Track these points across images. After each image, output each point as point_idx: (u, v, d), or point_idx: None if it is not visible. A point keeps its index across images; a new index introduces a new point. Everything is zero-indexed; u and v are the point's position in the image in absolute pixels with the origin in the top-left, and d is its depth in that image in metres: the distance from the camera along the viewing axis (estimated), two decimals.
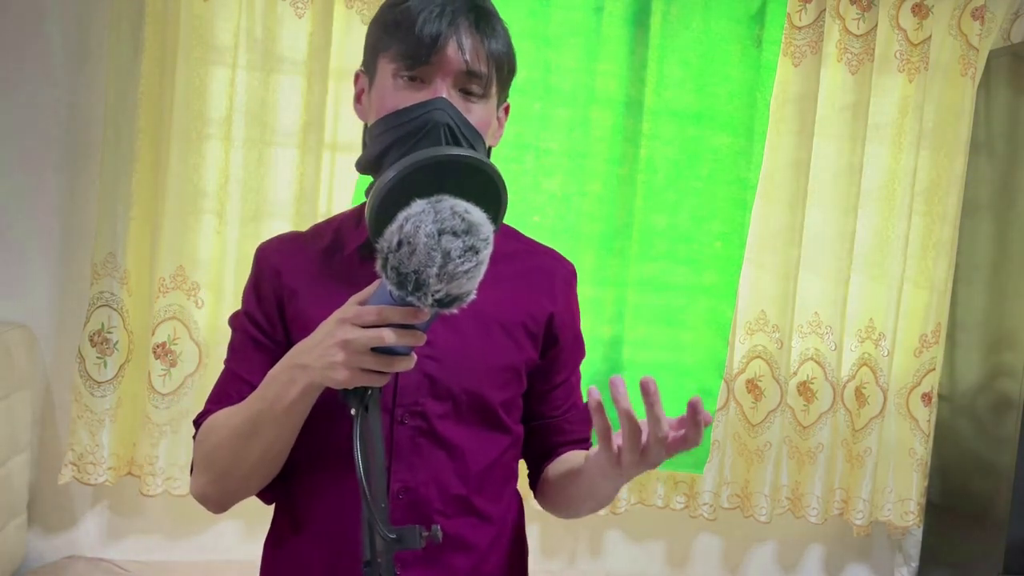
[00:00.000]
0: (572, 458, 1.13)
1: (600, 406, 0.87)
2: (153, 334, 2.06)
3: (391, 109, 0.99)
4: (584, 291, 1.29)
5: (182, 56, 2.02)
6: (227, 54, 2.07)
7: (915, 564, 2.58)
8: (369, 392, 0.87)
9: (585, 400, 1.17)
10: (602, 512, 2.25)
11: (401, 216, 0.80)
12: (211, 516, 2.22)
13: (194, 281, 2.09)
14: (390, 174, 0.88)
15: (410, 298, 0.80)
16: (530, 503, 1.24)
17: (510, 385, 1.10)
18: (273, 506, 1.12)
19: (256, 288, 1.11)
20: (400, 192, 0.86)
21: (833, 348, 2.39)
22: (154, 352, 2.06)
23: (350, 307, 0.88)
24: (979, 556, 2.34)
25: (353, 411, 0.86)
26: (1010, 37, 2.47)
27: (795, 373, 2.41)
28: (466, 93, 1.00)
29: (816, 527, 2.53)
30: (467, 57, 0.98)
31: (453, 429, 1.05)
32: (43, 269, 2.13)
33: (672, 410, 0.89)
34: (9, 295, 2.12)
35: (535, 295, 1.13)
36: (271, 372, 0.96)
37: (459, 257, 0.78)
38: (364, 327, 0.85)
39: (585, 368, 1.23)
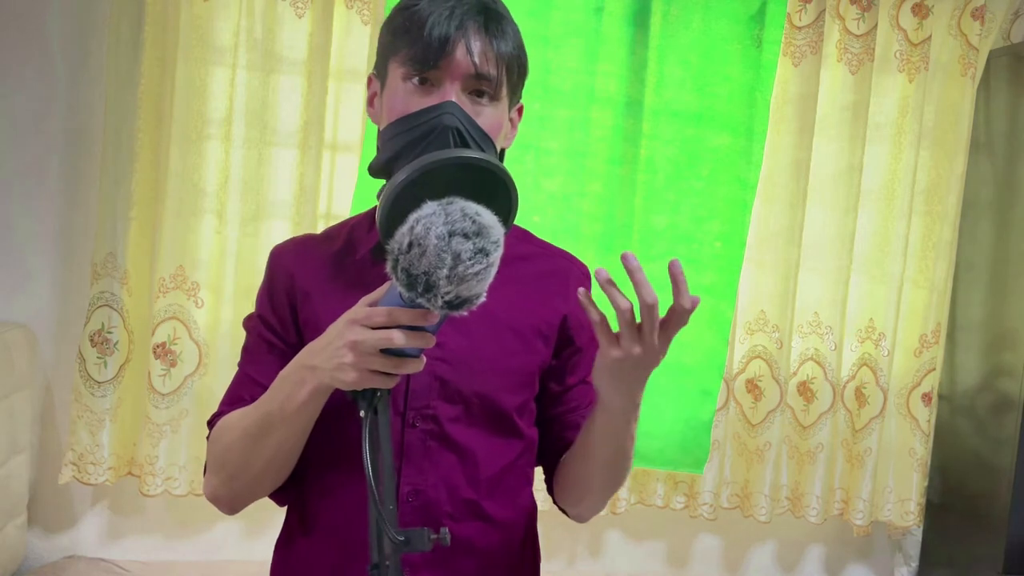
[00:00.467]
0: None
1: (606, 292, 0.88)
2: (153, 334, 2.06)
3: (401, 113, 0.99)
4: None
5: (182, 56, 2.02)
6: (227, 54, 2.07)
7: (915, 564, 2.57)
8: (378, 394, 0.87)
9: None
10: (602, 512, 2.25)
11: (412, 218, 0.80)
12: (211, 516, 2.22)
13: (194, 281, 2.09)
14: (401, 176, 0.89)
15: (420, 300, 0.80)
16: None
17: (522, 389, 1.10)
18: (275, 508, 1.12)
19: (269, 290, 1.10)
20: (411, 194, 0.86)
21: (833, 348, 2.39)
22: (154, 352, 2.06)
23: (360, 308, 0.88)
24: (979, 556, 2.34)
25: (362, 413, 0.86)
26: (1010, 37, 2.47)
27: (795, 373, 2.41)
28: (476, 95, 1.00)
29: (816, 527, 2.53)
30: (476, 60, 0.98)
31: (464, 432, 1.05)
32: (43, 269, 2.13)
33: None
34: (9, 295, 2.12)
35: (548, 297, 1.12)
36: (282, 373, 0.96)
37: (469, 259, 0.78)
38: (374, 328, 0.85)
39: None
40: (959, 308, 2.49)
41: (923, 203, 2.44)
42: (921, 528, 2.53)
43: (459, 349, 1.05)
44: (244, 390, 1.07)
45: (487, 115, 1.00)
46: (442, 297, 0.79)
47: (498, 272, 0.98)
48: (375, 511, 0.83)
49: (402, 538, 0.82)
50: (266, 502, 1.11)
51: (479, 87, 1.00)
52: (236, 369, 1.12)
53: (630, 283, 0.87)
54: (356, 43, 2.15)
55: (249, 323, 1.12)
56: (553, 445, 1.15)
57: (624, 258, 0.86)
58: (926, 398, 2.45)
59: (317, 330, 0.94)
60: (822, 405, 2.40)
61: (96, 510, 2.21)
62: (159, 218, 2.05)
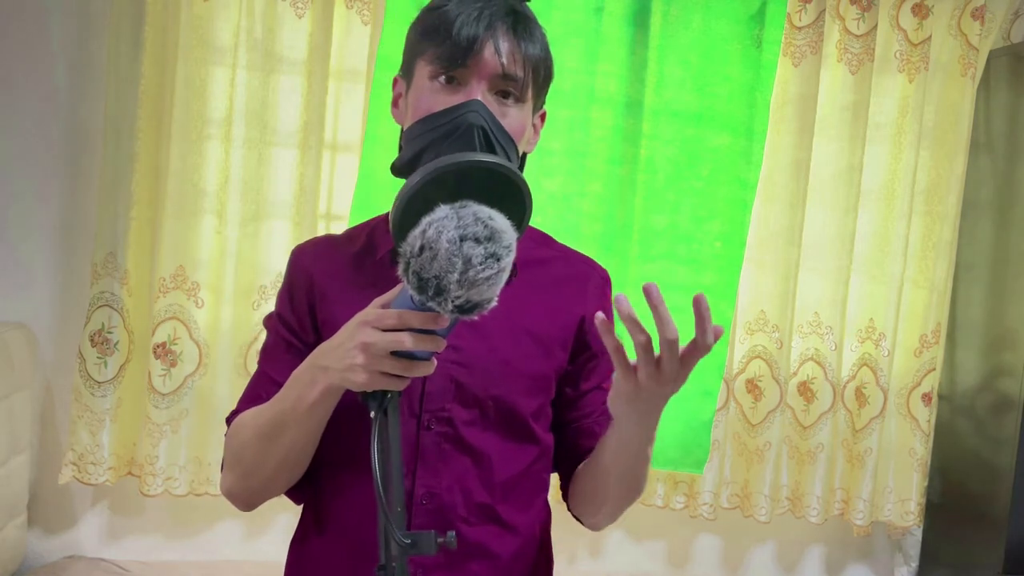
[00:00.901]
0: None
1: (613, 326, 0.87)
2: (153, 334, 2.06)
3: (426, 111, 0.99)
4: None
5: (182, 56, 2.02)
6: (227, 54, 2.07)
7: (915, 564, 2.58)
8: (389, 396, 0.87)
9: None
10: None
11: (424, 221, 0.80)
12: (211, 516, 2.22)
13: (194, 281, 2.09)
14: (415, 179, 0.88)
15: (430, 303, 0.80)
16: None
17: (538, 393, 1.09)
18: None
19: (289, 290, 1.11)
20: (425, 197, 0.86)
21: (833, 348, 2.39)
22: (154, 352, 2.06)
23: (371, 310, 0.88)
24: (979, 556, 2.34)
25: (372, 414, 0.86)
26: (1010, 37, 2.47)
27: (795, 373, 2.41)
28: (502, 96, 1.00)
29: (816, 527, 2.52)
30: (503, 60, 0.98)
31: (479, 436, 1.05)
32: (43, 269, 2.13)
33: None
34: (9, 295, 2.12)
35: (566, 302, 1.12)
36: (295, 373, 0.97)
37: (480, 264, 0.78)
38: (384, 330, 0.85)
39: None
40: (959, 308, 2.49)
41: (923, 203, 2.44)
42: (921, 528, 2.53)
43: (476, 352, 1.04)
44: (262, 388, 1.08)
45: (512, 116, 1.01)
46: (452, 301, 0.79)
47: (517, 276, 0.98)
48: (382, 513, 0.83)
49: (408, 540, 0.82)
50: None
51: (505, 88, 1.00)
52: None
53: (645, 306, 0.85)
54: (356, 43, 2.15)
55: (269, 322, 1.13)
56: (569, 452, 1.15)
57: (646, 291, 0.83)
58: (926, 398, 2.45)
59: (335, 330, 0.94)
60: (822, 405, 2.40)
61: (96, 510, 2.21)
62: (159, 218, 2.05)
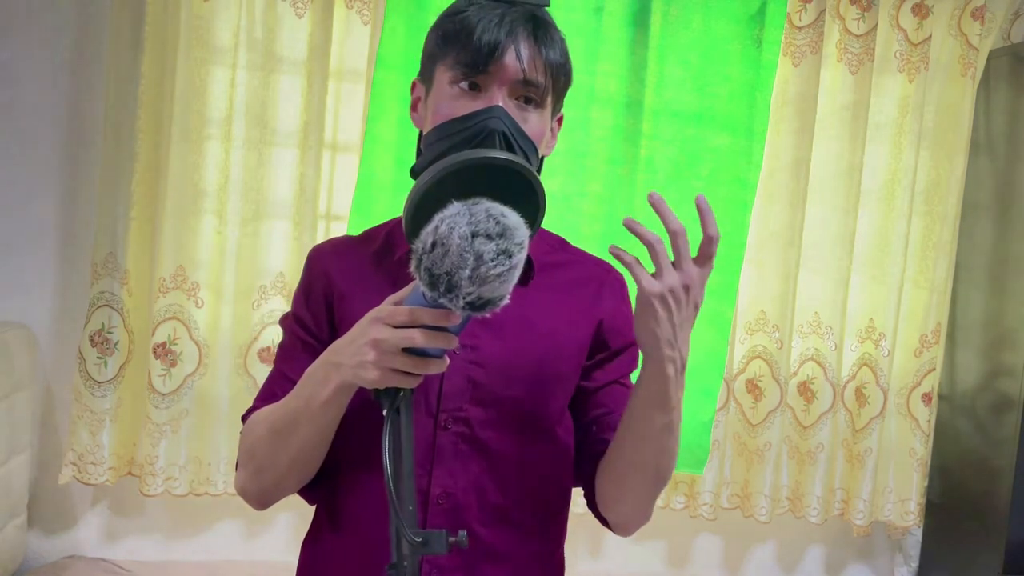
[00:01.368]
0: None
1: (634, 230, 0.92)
2: (153, 334, 2.06)
3: (447, 117, 0.99)
4: None
5: (182, 56, 2.02)
6: (227, 54, 2.07)
7: (915, 564, 2.58)
8: (401, 393, 0.86)
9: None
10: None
11: (437, 217, 0.80)
12: (211, 516, 2.22)
13: (194, 281, 2.09)
14: (427, 176, 0.88)
15: (442, 300, 0.80)
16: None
17: (556, 395, 1.09)
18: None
19: (306, 290, 1.11)
20: (438, 194, 0.85)
21: (833, 348, 2.39)
22: (154, 352, 2.06)
23: (384, 307, 0.88)
24: (979, 556, 2.34)
25: (385, 412, 0.86)
26: (1010, 37, 2.47)
27: (795, 373, 2.41)
28: (522, 102, 1.00)
29: (816, 527, 2.53)
30: (524, 66, 0.98)
31: (496, 437, 1.05)
32: (43, 269, 2.13)
33: None
34: (9, 295, 2.12)
35: (584, 304, 1.12)
36: (308, 370, 0.97)
37: (492, 260, 0.78)
38: (396, 327, 0.85)
39: None
40: (959, 308, 2.49)
41: (923, 203, 2.44)
42: (921, 528, 2.53)
43: (494, 353, 1.04)
44: (277, 386, 1.08)
45: (533, 122, 1.01)
46: (464, 298, 0.79)
47: (534, 278, 0.97)
48: (393, 511, 0.82)
49: (419, 539, 0.81)
50: None
51: (526, 93, 1.00)
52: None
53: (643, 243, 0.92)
54: (356, 43, 2.15)
55: (285, 322, 1.13)
56: (590, 449, 1.12)
57: (651, 199, 0.91)
58: (926, 398, 2.45)
59: None
60: (822, 405, 2.40)
61: (96, 510, 2.21)
62: (159, 218, 2.05)
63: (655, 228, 0.95)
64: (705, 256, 0.94)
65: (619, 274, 1.18)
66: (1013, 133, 2.36)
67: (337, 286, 1.08)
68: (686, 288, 0.93)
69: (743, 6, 2.27)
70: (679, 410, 1.00)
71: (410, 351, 0.85)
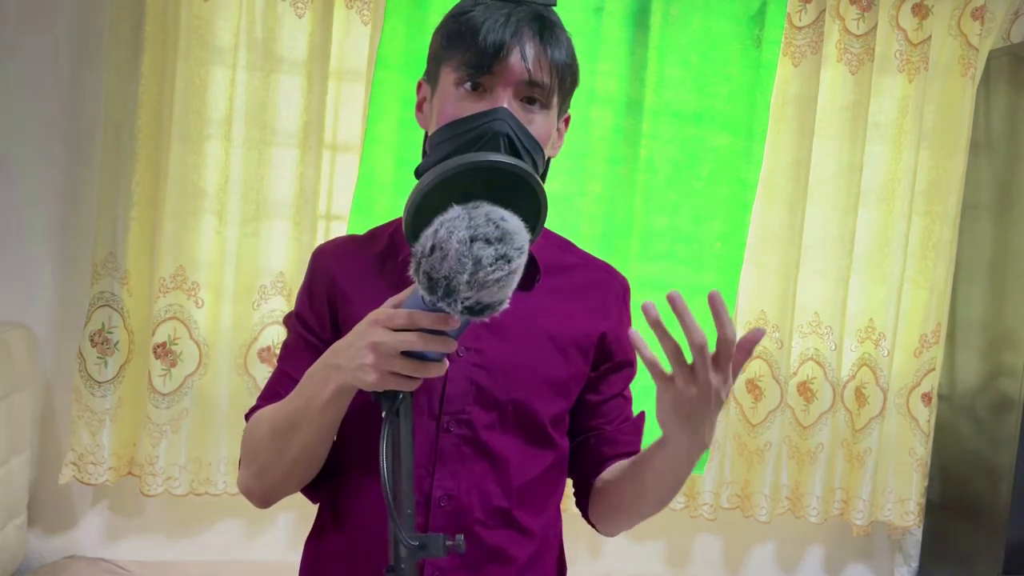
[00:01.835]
0: (625, 464, 1.10)
1: (654, 331, 0.85)
2: (153, 334, 2.06)
3: (452, 118, 0.99)
4: None
5: (182, 56, 2.02)
6: (227, 54, 2.07)
7: (915, 564, 2.58)
8: (400, 396, 0.86)
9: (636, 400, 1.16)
10: None
11: (436, 221, 0.80)
12: (211, 516, 2.22)
13: (194, 281, 2.09)
14: (428, 179, 0.88)
15: (440, 304, 0.80)
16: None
17: (558, 399, 1.09)
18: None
19: (309, 290, 1.11)
20: (439, 197, 0.85)
21: (833, 348, 2.39)
22: (154, 352, 2.06)
23: (383, 310, 0.88)
24: (979, 556, 2.34)
25: (384, 414, 0.86)
26: (1010, 37, 2.47)
27: (795, 373, 2.41)
28: (528, 102, 1.00)
29: (816, 527, 2.53)
30: (530, 67, 0.98)
31: (498, 440, 1.05)
32: (43, 269, 2.13)
33: None
34: (9, 295, 2.12)
35: (588, 312, 1.12)
36: (309, 371, 0.97)
37: (490, 265, 0.77)
38: (395, 330, 0.85)
39: None
40: (959, 308, 2.49)
41: (923, 203, 2.44)
42: (921, 528, 2.53)
43: (497, 356, 1.05)
44: (280, 385, 1.09)
45: (538, 123, 1.00)
46: (462, 302, 0.79)
47: (540, 281, 0.96)
48: (391, 514, 0.82)
49: (416, 543, 0.81)
50: None
51: (531, 94, 1.00)
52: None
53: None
54: (356, 43, 2.15)
55: (288, 321, 1.14)
56: (589, 459, 1.14)
57: (671, 300, 0.83)
58: (926, 398, 2.45)
59: None
60: (822, 405, 2.40)
61: (96, 510, 2.21)
62: (159, 218, 2.05)
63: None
64: (724, 357, 0.86)
65: (622, 278, 1.18)
66: (1013, 133, 2.36)
67: (340, 286, 1.09)
68: (702, 395, 0.88)
69: (743, 6, 2.27)
70: (692, 468, 1.00)
71: (409, 354, 0.85)
